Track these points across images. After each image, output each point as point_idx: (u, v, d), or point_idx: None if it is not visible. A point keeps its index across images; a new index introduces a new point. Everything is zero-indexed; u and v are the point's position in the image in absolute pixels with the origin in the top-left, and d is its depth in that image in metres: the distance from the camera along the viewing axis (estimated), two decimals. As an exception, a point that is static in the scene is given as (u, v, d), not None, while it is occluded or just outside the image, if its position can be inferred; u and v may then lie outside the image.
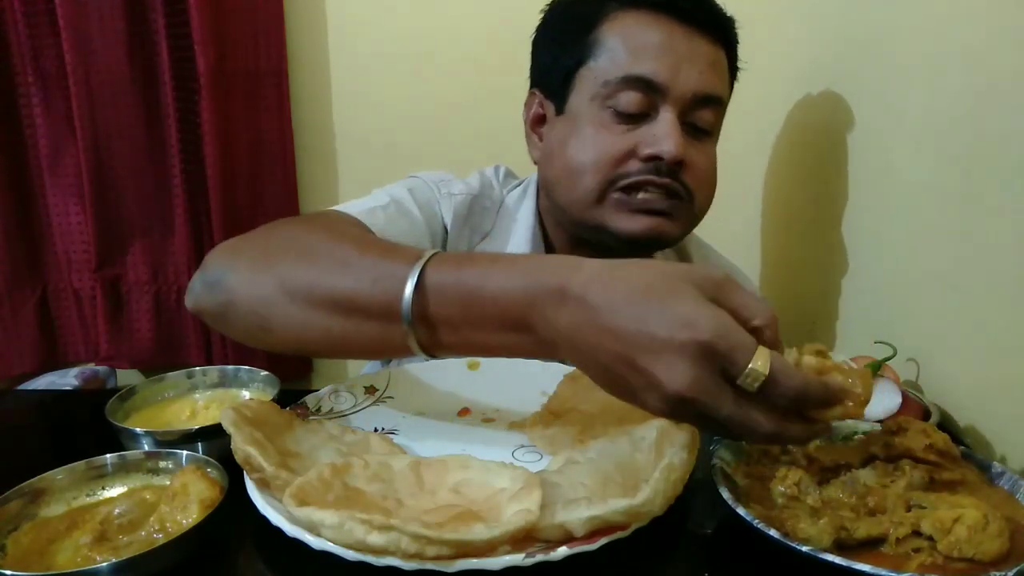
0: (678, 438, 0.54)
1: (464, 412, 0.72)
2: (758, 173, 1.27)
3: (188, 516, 0.51)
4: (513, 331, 0.54)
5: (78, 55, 1.40)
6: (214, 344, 1.59)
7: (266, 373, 0.74)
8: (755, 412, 0.47)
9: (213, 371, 0.75)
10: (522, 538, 0.48)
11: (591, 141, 0.83)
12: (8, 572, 0.47)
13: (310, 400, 0.71)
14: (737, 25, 0.87)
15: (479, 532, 0.46)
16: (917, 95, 0.83)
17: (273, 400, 0.67)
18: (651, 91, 0.80)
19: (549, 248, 0.94)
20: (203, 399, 0.73)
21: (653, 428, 0.58)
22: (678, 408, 0.47)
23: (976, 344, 0.72)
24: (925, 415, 0.72)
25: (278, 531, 0.50)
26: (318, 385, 0.75)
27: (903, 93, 0.86)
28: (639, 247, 0.85)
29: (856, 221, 0.98)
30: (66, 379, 1.54)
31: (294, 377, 1.63)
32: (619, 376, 0.49)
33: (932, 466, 0.56)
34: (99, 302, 1.56)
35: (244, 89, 1.46)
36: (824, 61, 1.07)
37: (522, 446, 0.66)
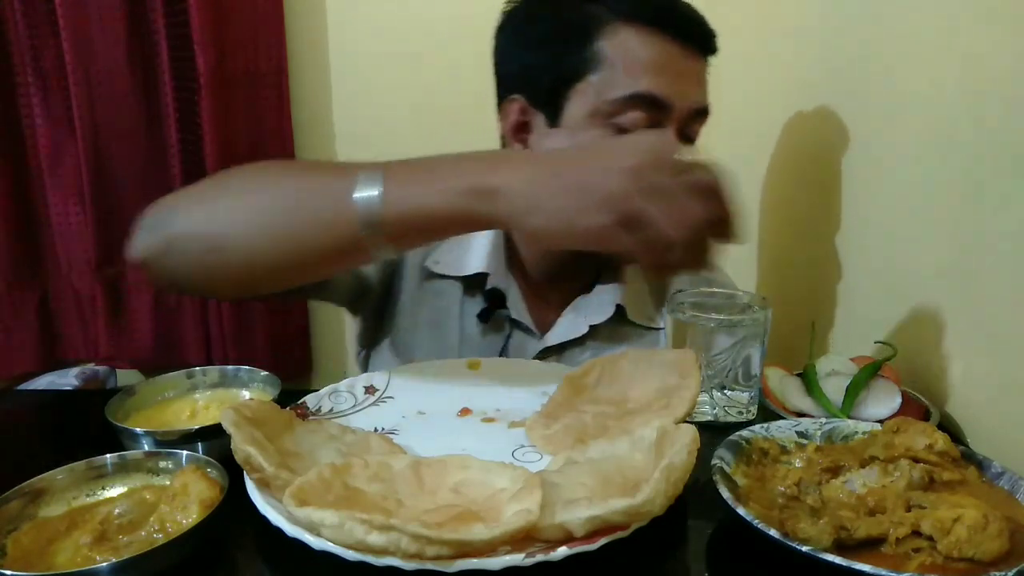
0: (678, 438, 0.54)
1: (464, 412, 0.72)
2: (757, 173, 1.27)
3: (188, 516, 0.51)
4: (470, 196, 0.60)
5: (78, 55, 1.40)
6: (214, 344, 1.59)
7: (266, 373, 0.74)
8: (691, 191, 0.58)
9: (213, 371, 0.75)
10: (522, 538, 0.48)
11: None
12: (8, 572, 0.47)
13: (310, 400, 0.71)
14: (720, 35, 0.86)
15: (479, 532, 0.46)
16: (917, 95, 0.83)
17: (273, 400, 0.67)
18: (655, 109, 0.80)
19: (512, 257, 0.92)
20: (203, 399, 0.73)
21: (653, 428, 0.58)
22: (626, 198, 0.56)
23: (976, 344, 0.72)
24: (925, 415, 0.72)
25: (278, 531, 0.50)
26: (318, 385, 0.75)
27: (903, 92, 0.86)
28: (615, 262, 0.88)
29: (856, 221, 0.98)
30: (66, 379, 1.54)
31: (294, 377, 1.63)
32: (574, 192, 0.58)
33: (932, 466, 0.56)
34: (99, 302, 1.56)
35: (244, 89, 1.46)
36: (824, 60, 1.07)
37: (522, 446, 0.66)
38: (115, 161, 1.48)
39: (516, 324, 0.91)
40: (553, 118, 0.84)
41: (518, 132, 0.88)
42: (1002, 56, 0.69)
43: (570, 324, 0.90)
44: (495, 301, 0.89)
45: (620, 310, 0.90)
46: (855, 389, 0.73)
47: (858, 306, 0.98)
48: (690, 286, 0.90)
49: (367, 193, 0.61)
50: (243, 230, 0.66)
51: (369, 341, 0.98)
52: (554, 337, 0.90)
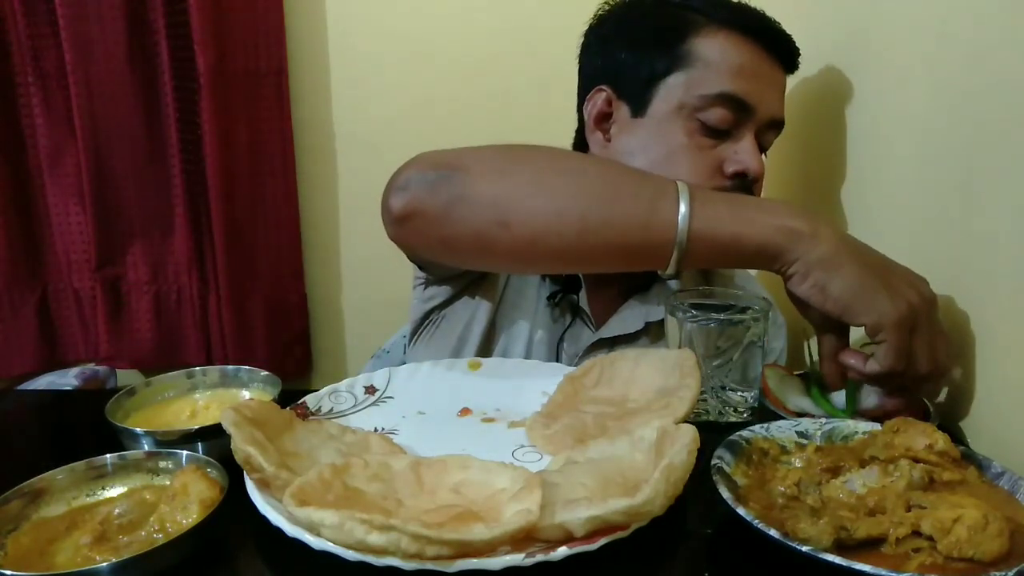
0: (678, 438, 0.54)
1: (464, 412, 0.72)
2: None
3: (188, 516, 0.51)
4: (778, 233, 0.65)
5: (78, 55, 1.40)
6: (214, 344, 1.59)
7: (266, 373, 0.74)
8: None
9: (213, 371, 0.75)
10: (522, 538, 0.48)
11: (682, 152, 0.85)
12: (8, 572, 0.47)
13: (310, 400, 0.71)
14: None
15: (479, 532, 0.46)
16: (917, 94, 0.83)
17: (273, 400, 0.67)
18: (740, 110, 0.84)
19: None
20: (203, 399, 0.73)
21: (653, 428, 0.58)
22: (919, 307, 0.63)
23: (976, 344, 0.72)
24: (925, 415, 0.72)
25: (278, 531, 0.50)
26: (318, 385, 0.75)
27: (903, 92, 0.86)
28: None
29: (855, 221, 0.98)
30: (66, 379, 1.54)
31: (294, 377, 1.63)
32: (873, 277, 0.63)
33: (932, 466, 0.56)
34: (99, 302, 1.56)
35: (244, 89, 1.46)
36: (823, 60, 1.07)
37: (522, 446, 0.66)
38: (115, 161, 1.48)
39: (578, 313, 0.93)
40: (638, 110, 0.87)
41: (600, 121, 0.91)
42: (1002, 55, 0.69)
43: (624, 320, 0.93)
44: (569, 285, 0.92)
45: None
46: (854, 388, 0.73)
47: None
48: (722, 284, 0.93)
49: (681, 205, 0.64)
50: (550, 210, 0.65)
51: (444, 306, 0.97)
52: (607, 331, 0.93)
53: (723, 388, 0.72)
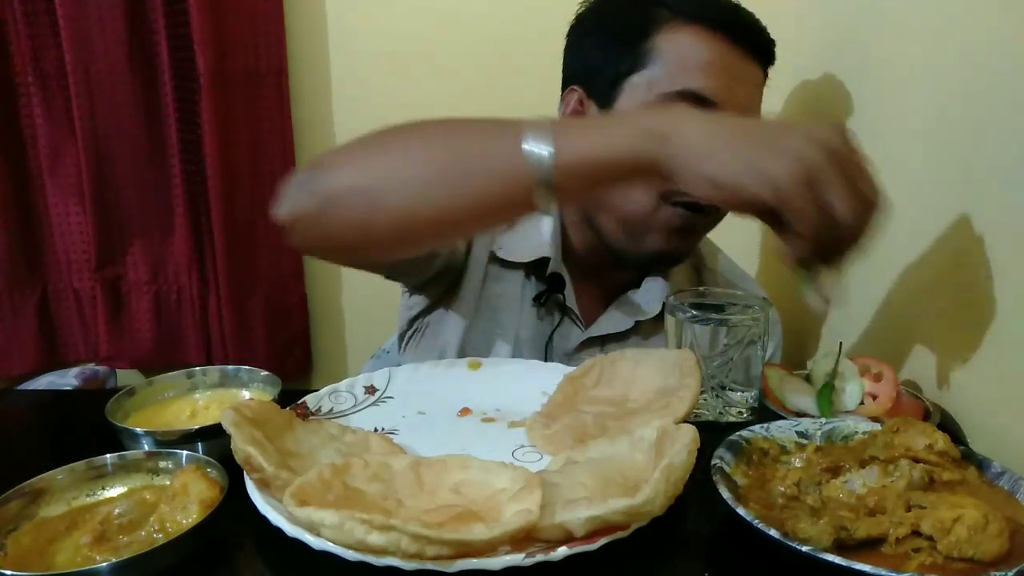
0: (678, 438, 0.54)
1: (464, 412, 0.72)
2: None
3: (188, 516, 0.51)
4: (640, 138, 0.59)
5: (78, 55, 1.40)
6: (214, 344, 1.58)
7: (266, 373, 0.74)
8: (868, 180, 0.58)
9: (213, 371, 0.75)
10: (522, 538, 0.48)
11: None
12: (8, 572, 0.47)
13: (310, 400, 0.71)
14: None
15: (479, 532, 0.46)
16: (917, 95, 0.83)
17: (273, 400, 0.67)
18: (705, 107, 0.81)
19: (566, 248, 0.94)
20: (203, 399, 0.73)
21: (653, 428, 0.58)
22: (814, 158, 0.55)
23: (976, 344, 0.72)
24: (925, 415, 0.72)
25: (278, 531, 0.50)
26: (318, 385, 0.75)
27: (903, 93, 0.86)
28: (651, 262, 0.90)
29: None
30: (66, 379, 1.54)
31: (294, 377, 1.63)
32: (754, 147, 0.56)
33: (932, 466, 0.56)
34: (99, 302, 1.56)
35: (244, 89, 1.46)
36: (823, 61, 1.07)
37: (522, 446, 0.66)
38: (115, 161, 1.48)
39: (566, 312, 0.93)
40: (604, 109, 0.87)
41: None
42: (1002, 54, 0.69)
43: (614, 318, 0.93)
44: (554, 285, 0.92)
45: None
46: (828, 391, 0.74)
47: (858, 307, 0.98)
48: (726, 285, 0.94)
49: (538, 144, 0.60)
50: (411, 184, 0.65)
51: (425, 314, 0.98)
52: (597, 329, 0.93)
53: (723, 388, 0.72)
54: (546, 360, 0.89)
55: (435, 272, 0.93)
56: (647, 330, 0.94)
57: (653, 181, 0.64)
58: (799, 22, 1.16)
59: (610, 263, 0.93)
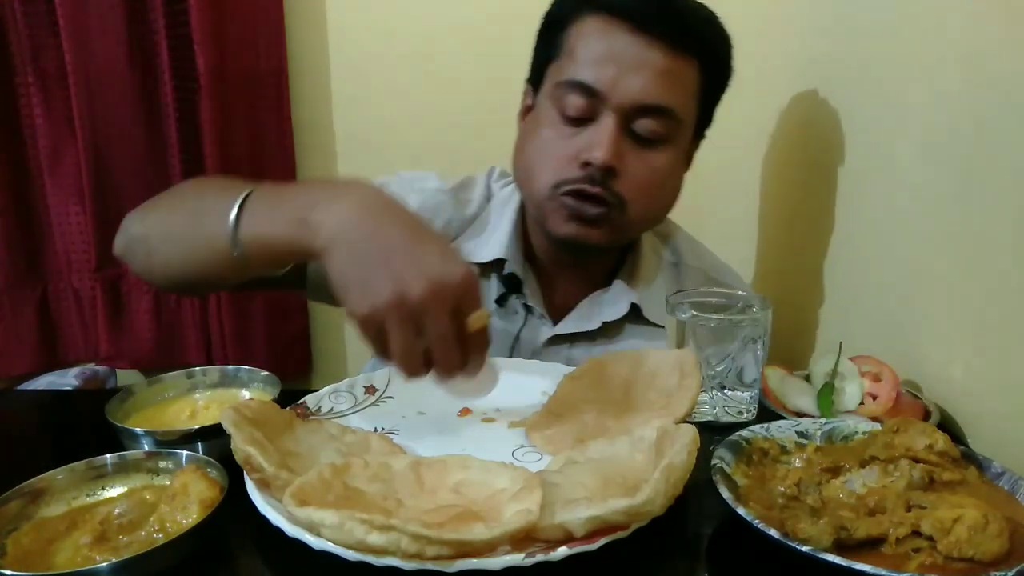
0: (678, 438, 0.54)
1: (464, 412, 0.72)
2: (756, 175, 1.27)
3: (188, 516, 0.51)
4: (295, 226, 0.62)
5: (78, 55, 1.40)
6: (214, 344, 1.58)
7: (266, 373, 0.74)
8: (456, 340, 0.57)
9: (213, 371, 0.75)
10: (522, 538, 0.48)
11: (543, 141, 0.85)
12: (8, 572, 0.47)
13: (310, 400, 0.71)
14: (725, 35, 0.86)
15: (479, 532, 0.46)
16: (917, 95, 0.83)
17: (273, 400, 0.67)
18: (592, 96, 0.81)
19: (528, 247, 0.95)
20: (203, 399, 0.73)
21: (653, 428, 0.58)
22: (400, 305, 0.55)
23: (976, 344, 0.72)
24: (925, 415, 0.72)
25: (278, 531, 0.50)
26: (318, 385, 0.75)
27: (903, 93, 0.86)
28: (566, 249, 0.89)
29: (855, 222, 0.98)
30: (66, 379, 1.54)
31: (294, 377, 1.63)
32: (368, 265, 0.57)
33: (932, 466, 0.56)
34: (99, 302, 1.56)
35: (244, 89, 1.46)
36: (823, 62, 1.07)
37: (522, 446, 0.66)
38: (115, 161, 1.48)
39: (530, 310, 0.93)
40: (534, 101, 0.90)
41: (524, 115, 0.93)
42: (1002, 56, 0.69)
43: (582, 317, 0.92)
44: (512, 286, 0.91)
45: (635, 308, 0.92)
46: (827, 392, 0.74)
47: (858, 307, 0.98)
48: (695, 285, 0.92)
49: (231, 216, 0.66)
50: (166, 241, 0.76)
51: None
52: (563, 327, 0.92)
53: (723, 388, 0.72)
54: (511, 356, 0.89)
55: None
56: (613, 332, 0.92)
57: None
58: (798, 29, 1.16)
59: (569, 259, 0.92)
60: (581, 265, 0.94)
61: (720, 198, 1.38)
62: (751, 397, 0.73)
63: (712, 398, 0.72)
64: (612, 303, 0.92)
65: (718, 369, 0.71)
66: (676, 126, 0.84)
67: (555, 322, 0.93)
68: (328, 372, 1.66)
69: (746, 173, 1.30)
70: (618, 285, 0.93)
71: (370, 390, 0.75)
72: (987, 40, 0.71)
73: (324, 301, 0.97)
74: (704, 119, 0.90)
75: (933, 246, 0.80)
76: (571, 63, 0.83)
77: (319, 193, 0.64)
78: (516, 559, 0.47)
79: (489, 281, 0.93)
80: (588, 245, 0.86)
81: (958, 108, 0.75)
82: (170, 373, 0.74)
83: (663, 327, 0.92)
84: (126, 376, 1.61)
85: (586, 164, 0.81)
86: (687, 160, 0.91)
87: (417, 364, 0.58)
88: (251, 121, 1.48)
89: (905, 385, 0.77)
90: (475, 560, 0.46)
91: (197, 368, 0.75)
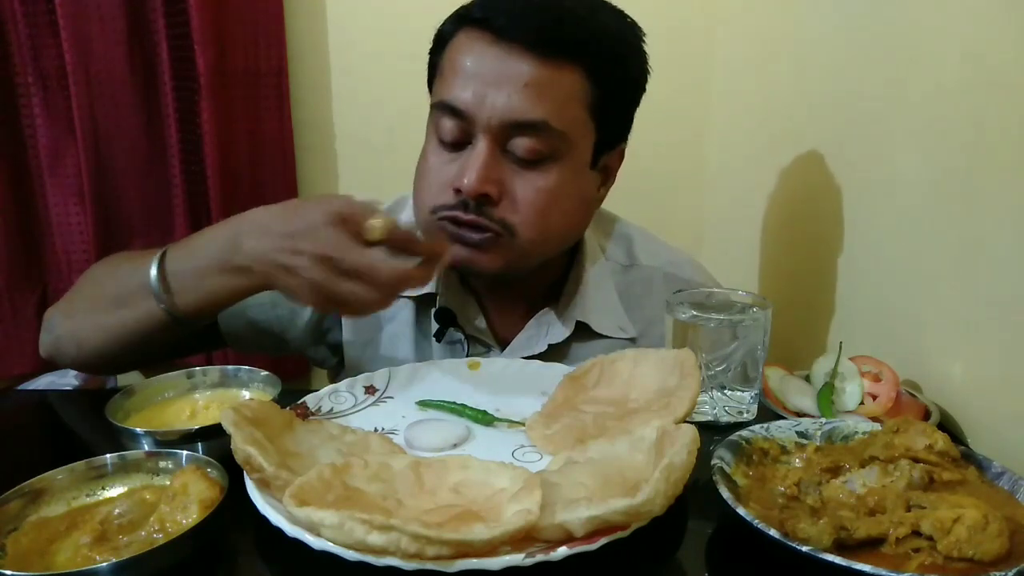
0: (678, 438, 0.54)
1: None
2: (757, 175, 1.27)
3: (188, 516, 0.51)
4: (228, 273, 0.69)
5: (78, 55, 1.40)
6: (214, 344, 1.58)
7: (266, 373, 0.74)
8: (376, 255, 0.63)
9: (213, 371, 0.75)
10: (522, 538, 0.48)
11: (427, 171, 0.80)
12: (8, 572, 0.47)
13: (310, 400, 0.71)
14: (620, 32, 0.79)
15: (479, 532, 0.46)
16: (917, 96, 0.83)
17: (273, 400, 0.67)
18: (461, 119, 0.75)
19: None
20: (203, 399, 0.73)
21: (653, 428, 0.58)
22: (321, 271, 0.62)
23: (976, 344, 0.72)
24: (925, 415, 0.72)
25: (278, 531, 0.50)
26: (318, 385, 0.75)
27: (903, 94, 0.86)
28: (472, 275, 0.86)
29: (856, 222, 0.98)
30: (66, 379, 1.53)
31: (294, 377, 1.63)
32: (287, 266, 0.64)
33: (932, 466, 0.56)
34: (99, 302, 1.56)
35: (244, 89, 1.46)
36: (823, 63, 1.07)
37: (522, 446, 0.66)
38: (115, 161, 1.48)
39: (473, 339, 0.88)
40: None
41: None
42: (1002, 55, 0.69)
43: (529, 339, 0.87)
44: (445, 320, 0.86)
45: (582, 326, 0.87)
46: (827, 392, 0.74)
47: (858, 307, 0.98)
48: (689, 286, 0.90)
49: (152, 271, 0.71)
50: (97, 329, 0.78)
51: (334, 377, 0.97)
52: (511, 352, 0.87)
53: (723, 388, 0.72)
54: None
55: (294, 348, 0.95)
56: (566, 351, 0.87)
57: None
58: (798, 29, 1.16)
59: (503, 279, 0.85)
60: (515, 287, 0.88)
61: (720, 199, 1.38)
62: (751, 397, 0.73)
63: (712, 398, 0.72)
64: (557, 323, 0.87)
65: (718, 369, 0.71)
66: (558, 141, 0.76)
67: (503, 347, 0.88)
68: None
69: (747, 175, 1.30)
70: (563, 303, 0.88)
71: (370, 390, 0.75)
72: (988, 39, 0.71)
73: (249, 350, 0.96)
74: (610, 128, 0.81)
75: (933, 246, 0.80)
76: (442, 83, 0.78)
77: (231, 222, 0.70)
78: (516, 559, 0.47)
79: (427, 316, 0.88)
80: (485, 271, 0.79)
81: (958, 108, 0.75)
82: (170, 373, 0.74)
83: (618, 338, 0.88)
84: (126, 376, 1.61)
85: (459, 191, 0.75)
86: (603, 174, 0.84)
87: (341, 289, 0.63)
88: (251, 121, 1.48)
89: (905, 385, 0.77)
90: (475, 560, 0.46)
91: (197, 368, 0.75)
